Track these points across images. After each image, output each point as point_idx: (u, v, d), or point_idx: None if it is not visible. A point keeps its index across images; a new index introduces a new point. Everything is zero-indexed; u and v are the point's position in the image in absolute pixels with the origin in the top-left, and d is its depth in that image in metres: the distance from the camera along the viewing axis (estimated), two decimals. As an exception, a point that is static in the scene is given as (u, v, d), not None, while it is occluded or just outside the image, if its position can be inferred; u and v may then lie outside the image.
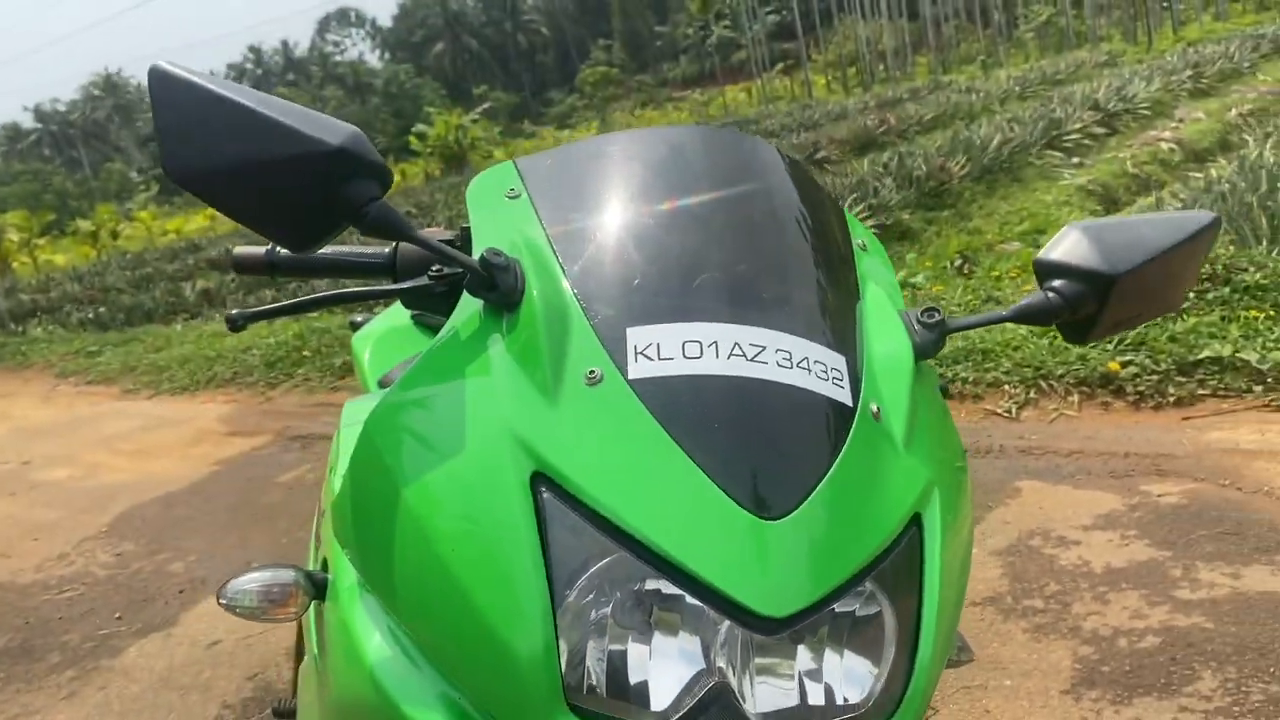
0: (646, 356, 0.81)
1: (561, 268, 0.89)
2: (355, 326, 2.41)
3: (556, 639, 0.74)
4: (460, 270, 1.03)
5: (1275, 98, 17.72)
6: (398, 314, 2.23)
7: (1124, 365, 3.85)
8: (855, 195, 12.21)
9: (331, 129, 0.84)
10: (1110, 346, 3.99)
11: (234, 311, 1.09)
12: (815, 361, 0.84)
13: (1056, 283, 1.02)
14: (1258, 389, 3.60)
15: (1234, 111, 16.78)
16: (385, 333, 2.16)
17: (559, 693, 0.75)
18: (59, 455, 6.31)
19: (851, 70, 46.26)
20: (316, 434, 5.79)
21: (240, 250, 1.17)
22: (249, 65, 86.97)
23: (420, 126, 42.87)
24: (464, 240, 1.09)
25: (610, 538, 0.76)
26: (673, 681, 0.75)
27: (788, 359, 0.83)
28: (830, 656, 0.78)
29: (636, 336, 0.82)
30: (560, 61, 79.95)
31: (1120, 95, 17.59)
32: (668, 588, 0.75)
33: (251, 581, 0.99)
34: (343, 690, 0.91)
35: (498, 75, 79.15)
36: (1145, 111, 17.29)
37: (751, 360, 0.81)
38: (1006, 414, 3.98)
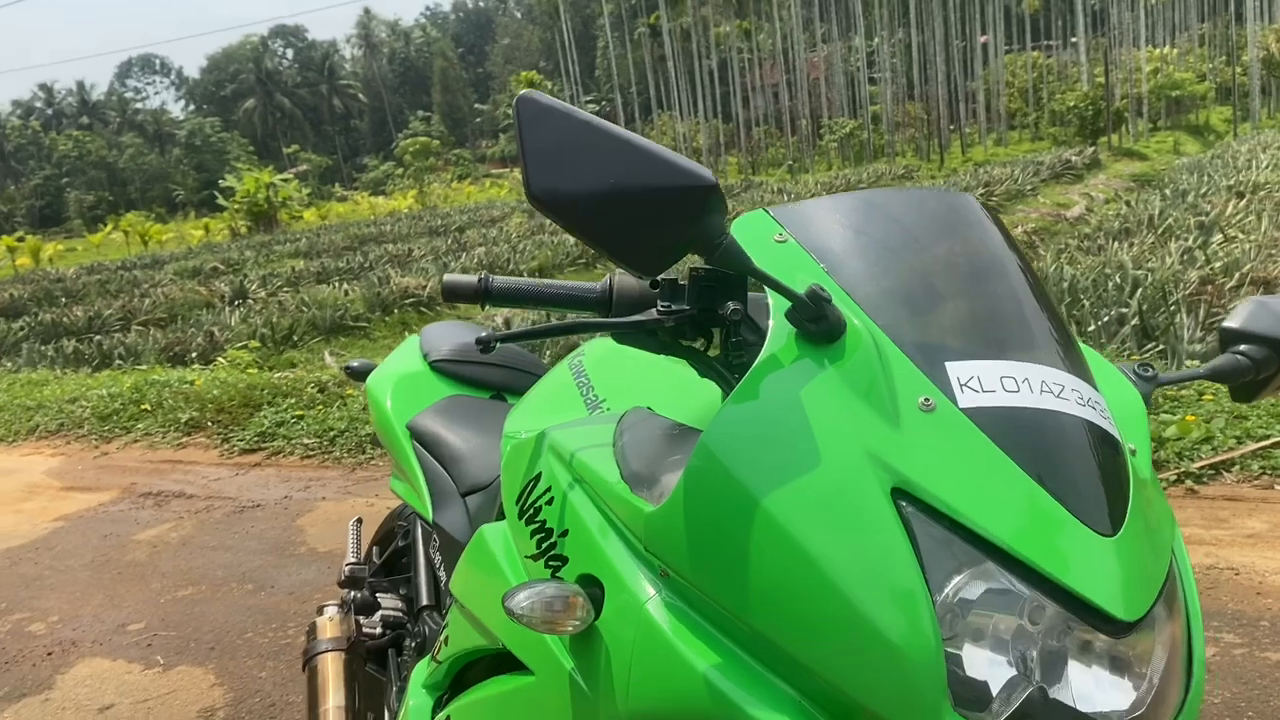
0: (971, 388, 0.91)
1: (856, 304, 0.97)
2: (353, 371, 2.38)
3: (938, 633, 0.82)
4: (685, 309, 1.09)
5: (1055, 219, 19.58)
6: (409, 358, 2.23)
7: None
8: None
9: (700, 168, 0.90)
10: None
11: (484, 334, 1.11)
12: (1095, 401, 0.96)
13: (1243, 347, 1.18)
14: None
15: (1020, 229, 18.43)
16: (404, 377, 2.15)
17: (945, 692, 0.81)
18: None
19: (667, 163, 47.91)
20: (170, 491, 5.47)
21: (451, 278, 1.18)
22: (38, 104, 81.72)
23: (229, 180, 41.26)
24: (692, 281, 1.14)
25: (974, 546, 0.84)
26: (1028, 682, 0.83)
27: (1081, 398, 0.94)
28: (1154, 658, 0.88)
29: (956, 370, 0.92)
30: (376, 129, 79.16)
31: (924, 206, 18.99)
32: (1028, 592, 0.83)
33: (529, 595, 1.00)
34: (649, 701, 0.94)
35: (309, 137, 77.50)
36: (945, 223, 18.73)
37: (1057, 397, 0.92)
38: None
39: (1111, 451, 0.94)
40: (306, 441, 6.01)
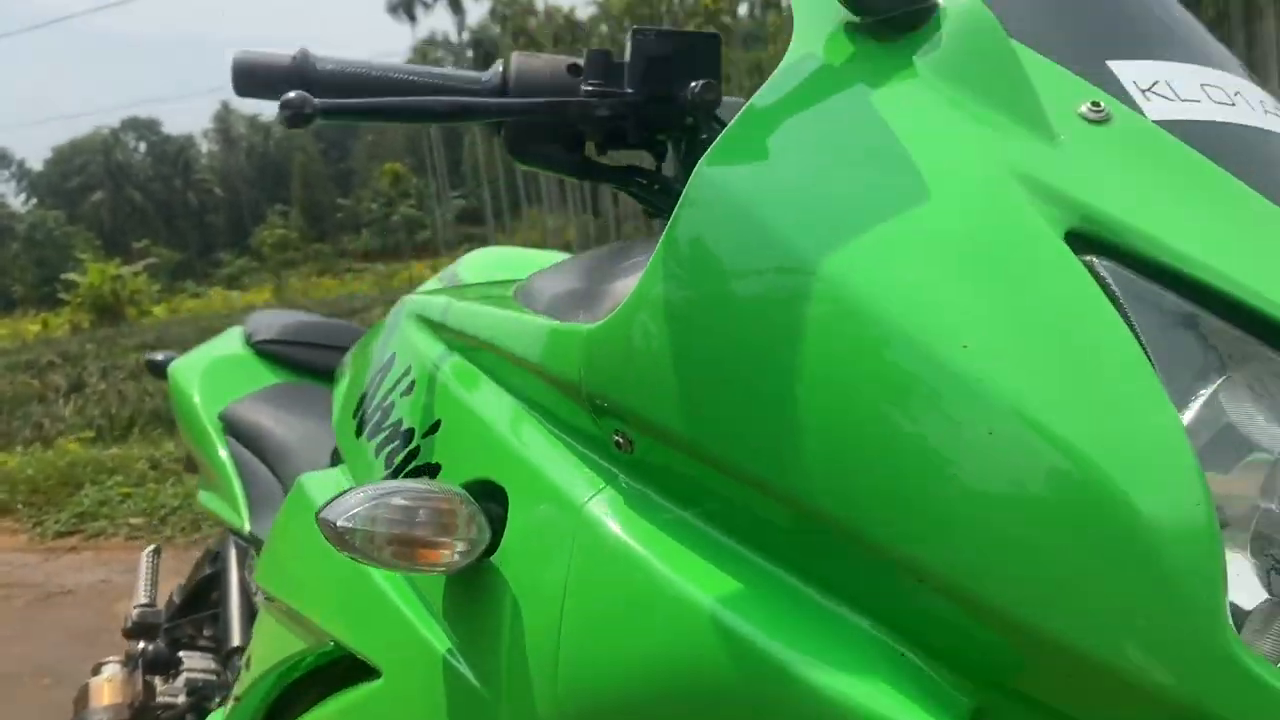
0: (1161, 95, 0.55)
1: None
2: (156, 366, 1.89)
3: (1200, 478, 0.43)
4: (625, 92, 0.71)
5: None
6: (227, 342, 1.78)
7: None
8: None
9: None
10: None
11: (292, 94, 0.68)
12: None
13: None
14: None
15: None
16: (219, 360, 1.69)
17: (1227, 630, 0.43)
18: None
19: (535, 257, 47.94)
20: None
21: (247, 54, 0.76)
22: None
23: (71, 275, 39.25)
24: (636, 49, 0.75)
25: (1239, 328, 0.48)
26: None
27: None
28: None
29: (1127, 70, 0.57)
30: (232, 223, 77.02)
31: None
32: None
33: (372, 498, 0.57)
34: (601, 678, 0.51)
35: (161, 231, 74.79)
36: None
37: (1266, 113, 0.60)
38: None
39: None
40: (133, 521, 5.37)
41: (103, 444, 11.31)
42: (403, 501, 0.58)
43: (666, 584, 0.51)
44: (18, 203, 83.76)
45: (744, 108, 0.57)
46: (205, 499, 1.64)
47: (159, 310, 43.71)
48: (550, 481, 0.61)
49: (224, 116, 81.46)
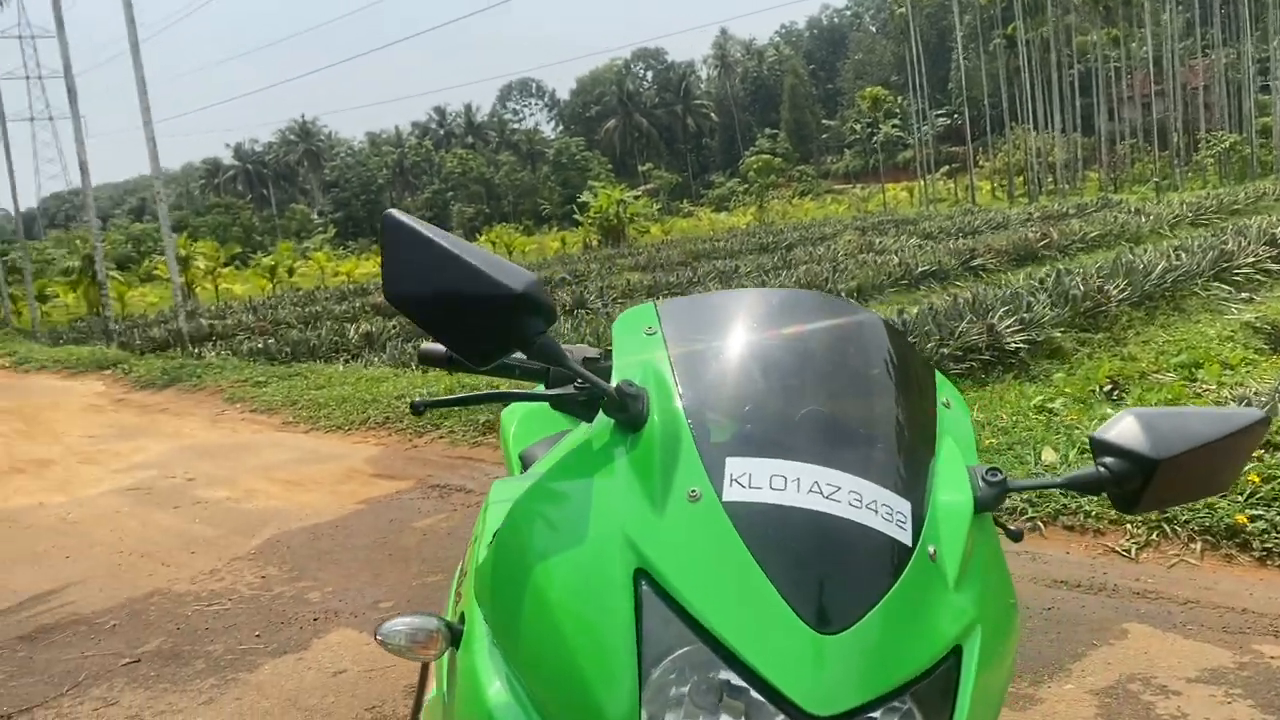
0: (740, 484, 1.00)
1: (680, 398, 1.09)
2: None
3: (640, 708, 0.93)
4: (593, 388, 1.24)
5: None
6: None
7: (1252, 519, 3.80)
8: (1007, 308, 12.07)
9: (516, 276, 1.07)
10: (1240, 498, 3.94)
11: (417, 399, 1.33)
12: (882, 504, 1.01)
13: (1107, 459, 1.17)
14: (1395, 561, 3.51)
15: None
16: (529, 411, 2.41)
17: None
18: (220, 476, 6.83)
19: (1018, 179, 45.63)
20: (454, 485, 6.12)
21: (426, 346, 1.41)
22: (432, 125, 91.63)
23: (584, 197, 44.31)
24: (609, 360, 1.29)
25: (693, 631, 0.94)
26: None
27: (858, 500, 1.00)
28: None
29: (734, 465, 1.02)
30: (725, 145, 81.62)
31: (1301, 232, 16.90)
32: (734, 679, 0.93)
33: (402, 624, 1.21)
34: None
35: (663, 154, 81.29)
36: (1327, 252, 16.57)
37: (826, 498, 0.99)
38: (1125, 553, 3.96)
39: (881, 552, 0.99)
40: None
41: (590, 360, 13.19)
42: (413, 625, 1.20)
43: (485, 691, 1.07)
44: (549, 129, 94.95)
45: (556, 462, 1.10)
46: None
47: (656, 229, 47.96)
48: (475, 625, 1.16)
49: (721, 43, 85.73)
